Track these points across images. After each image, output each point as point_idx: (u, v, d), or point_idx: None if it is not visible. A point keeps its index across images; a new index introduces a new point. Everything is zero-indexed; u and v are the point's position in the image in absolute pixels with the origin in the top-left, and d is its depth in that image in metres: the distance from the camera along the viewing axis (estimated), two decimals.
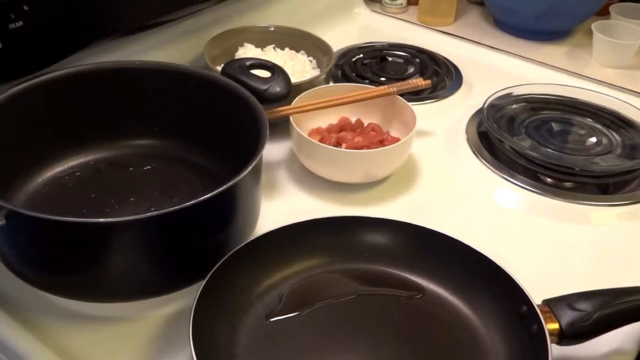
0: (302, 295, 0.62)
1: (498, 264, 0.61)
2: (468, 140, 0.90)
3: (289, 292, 0.62)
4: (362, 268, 0.65)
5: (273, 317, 0.59)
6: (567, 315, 0.56)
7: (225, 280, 0.58)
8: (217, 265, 0.58)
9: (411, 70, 1.07)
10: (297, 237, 0.64)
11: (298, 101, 0.83)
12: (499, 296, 0.60)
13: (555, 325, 0.56)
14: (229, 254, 0.59)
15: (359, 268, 0.65)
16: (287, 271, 0.64)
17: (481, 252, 0.62)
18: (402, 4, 1.27)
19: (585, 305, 0.56)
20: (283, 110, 0.80)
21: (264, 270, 0.62)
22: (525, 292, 0.58)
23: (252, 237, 0.63)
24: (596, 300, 0.57)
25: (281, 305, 0.61)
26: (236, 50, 0.97)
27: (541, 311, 0.56)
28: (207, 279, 0.57)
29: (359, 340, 0.59)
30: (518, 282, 0.59)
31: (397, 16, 1.27)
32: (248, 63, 0.75)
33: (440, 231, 0.65)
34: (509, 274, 0.60)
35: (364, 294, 0.63)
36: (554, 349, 0.54)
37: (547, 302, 0.58)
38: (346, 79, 1.02)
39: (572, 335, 0.56)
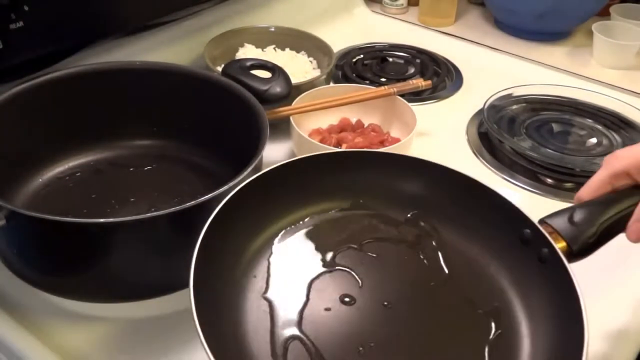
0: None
1: (491, 187, 0.58)
2: (468, 140, 0.90)
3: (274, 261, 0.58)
4: (349, 215, 0.61)
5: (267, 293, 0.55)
6: (571, 232, 0.53)
7: (215, 246, 0.53)
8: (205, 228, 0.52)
9: (411, 70, 1.07)
10: (271, 188, 0.58)
11: (298, 102, 0.83)
12: (498, 223, 0.56)
13: (562, 244, 0.53)
14: (216, 211, 0.53)
15: (346, 215, 0.61)
16: (271, 229, 0.59)
17: (473, 177, 0.59)
18: (402, 4, 1.27)
19: (585, 219, 0.54)
20: (283, 110, 0.80)
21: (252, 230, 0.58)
22: (525, 214, 0.55)
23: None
24: (597, 212, 0.54)
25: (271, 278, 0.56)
26: (236, 50, 0.97)
27: (545, 231, 0.53)
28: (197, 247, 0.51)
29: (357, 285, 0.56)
30: (516, 205, 0.56)
31: (398, 17, 1.27)
32: (248, 64, 0.75)
33: (426, 159, 0.61)
34: (504, 197, 0.57)
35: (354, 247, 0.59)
36: None
37: (546, 221, 0.55)
38: (347, 79, 1.02)
39: (580, 252, 0.53)
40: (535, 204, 0.80)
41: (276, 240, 0.59)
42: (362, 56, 1.10)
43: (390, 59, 1.10)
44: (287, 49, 0.98)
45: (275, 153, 0.84)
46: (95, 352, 0.59)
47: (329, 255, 0.58)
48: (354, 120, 0.87)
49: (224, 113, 0.72)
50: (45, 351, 0.56)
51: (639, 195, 0.54)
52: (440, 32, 1.21)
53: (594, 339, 0.63)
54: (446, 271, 0.58)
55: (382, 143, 0.81)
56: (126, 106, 0.75)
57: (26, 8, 0.70)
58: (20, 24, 0.70)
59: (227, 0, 1.00)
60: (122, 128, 0.76)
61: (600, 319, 0.64)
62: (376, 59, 1.09)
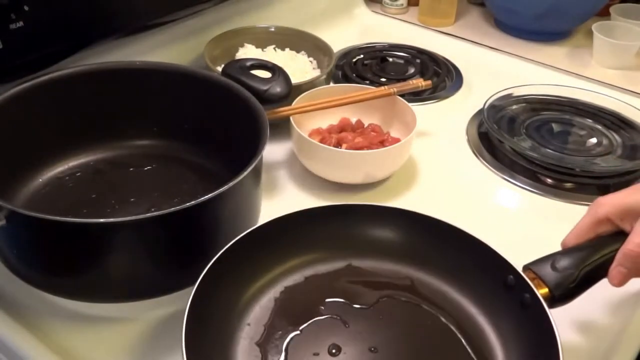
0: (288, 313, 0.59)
1: (476, 237, 0.60)
2: (468, 140, 0.90)
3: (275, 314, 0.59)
4: (338, 265, 0.63)
5: (262, 342, 0.56)
6: (553, 278, 0.55)
7: (211, 294, 0.55)
8: (200, 278, 0.54)
9: (411, 70, 1.07)
10: (271, 239, 0.61)
11: (298, 102, 0.83)
12: (482, 271, 0.59)
13: (544, 290, 0.55)
14: (213, 260, 0.56)
15: (335, 265, 0.63)
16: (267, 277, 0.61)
17: (459, 227, 0.61)
18: (402, 4, 1.27)
19: (568, 265, 0.56)
20: (283, 110, 0.80)
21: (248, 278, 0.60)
22: (509, 261, 0.57)
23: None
24: (578, 257, 0.57)
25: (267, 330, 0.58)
26: (237, 50, 0.97)
27: (528, 278, 0.55)
28: (191, 296, 0.53)
29: (349, 335, 0.57)
30: (499, 253, 0.58)
31: (398, 17, 1.27)
32: (248, 63, 0.75)
33: (415, 210, 0.63)
34: (489, 245, 0.59)
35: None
36: None
37: (530, 267, 0.57)
38: (347, 79, 1.02)
39: (562, 297, 0.55)
40: (535, 204, 0.80)
41: (269, 290, 0.60)
42: (362, 56, 1.10)
43: (390, 59, 1.10)
44: (287, 49, 0.98)
45: (275, 153, 0.85)
46: (95, 352, 0.59)
47: (319, 304, 0.60)
48: (354, 120, 0.87)
49: (224, 113, 0.72)
50: (45, 351, 0.56)
51: (620, 241, 0.56)
52: (440, 32, 1.21)
53: (594, 338, 0.63)
54: (431, 316, 0.59)
55: (382, 143, 0.81)
56: (126, 106, 0.75)
57: (26, 8, 0.70)
58: (20, 24, 0.70)
59: (227, 0, 1.00)
60: (122, 128, 0.76)
61: (600, 318, 0.64)
62: (376, 59, 1.09)
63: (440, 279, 0.61)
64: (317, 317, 0.59)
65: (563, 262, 0.56)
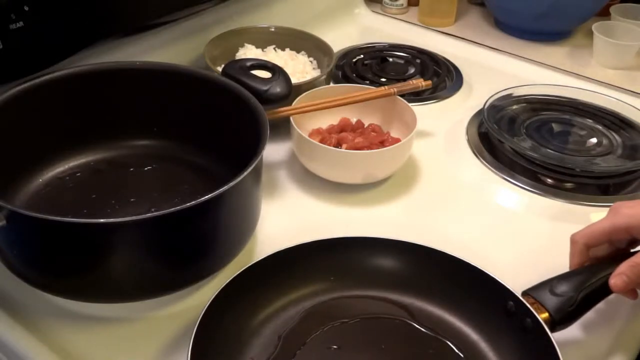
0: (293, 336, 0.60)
1: (476, 265, 0.61)
2: (468, 141, 0.90)
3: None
4: (342, 297, 0.63)
5: None
6: (553, 302, 0.57)
7: (211, 333, 0.55)
8: (208, 304, 0.55)
9: (412, 70, 1.07)
10: (277, 271, 0.61)
11: (298, 102, 0.83)
12: (482, 298, 0.60)
13: (545, 315, 0.56)
14: (219, 290, 0.57)
15: (336, 296, 0.63)
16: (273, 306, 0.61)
17: (458, 257, 0.62)
18: (402, 4, 1.27)
19: (566, 289, 0.57)
20: (283, 110, 0.80)
21: (257, 306, 0.60)
22: (509, 288, 0.58)
23: (242, 264, 0.60)
24: (575, 281, 0.58)
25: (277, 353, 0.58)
26: (237, 50, 0.97)
27: (527, 303, 0.56)
28: (200, 318, 0.54)
29: None
30: (499, 280, 0.59)
31: (398, 17, 1.27)
32: (248, 64, 0.75)
33: (415, 242, 0.63)
34: (488, 273, 0.60)
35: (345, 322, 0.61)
36: None
37: (529, 293, 0.58)
38: (347, 79, 1.02)
39: (562, 321, 0.56)
40: (535, 204, 0.80)
41: (269, 324, 0.60)
42: (362, 56, 1.10)
43: (390, 59, 1.10)
44: (287, 49, 0.98)
45: (275, 153, 0.85)
46: (95, 352, 0.59)
47: (319, 335, 0.60)
48: (354, 120, 0.87)
49: (224, 113, 0.72)
50: (45, 351, 0.56)
51: (615, 264, 0.58)
52: (440, 32, 1.21)
53: (594, 338, 0.63)
54: (434, 343, 0.59)
55: (382, 143, 0.81)
56: (126, 106, 0.75)
57: (26, 8, 0.70)
58: (20, 24, 0.70)
59: (227, 0, 1.00)
60: (122, 128, 0.76)
61: (600, 318, 0.64)
62: (376, 59, 1.09)
63: (441, 308, 0.62)
64: (317, 347, 0.59)
65: (561, 287, 0.58)
